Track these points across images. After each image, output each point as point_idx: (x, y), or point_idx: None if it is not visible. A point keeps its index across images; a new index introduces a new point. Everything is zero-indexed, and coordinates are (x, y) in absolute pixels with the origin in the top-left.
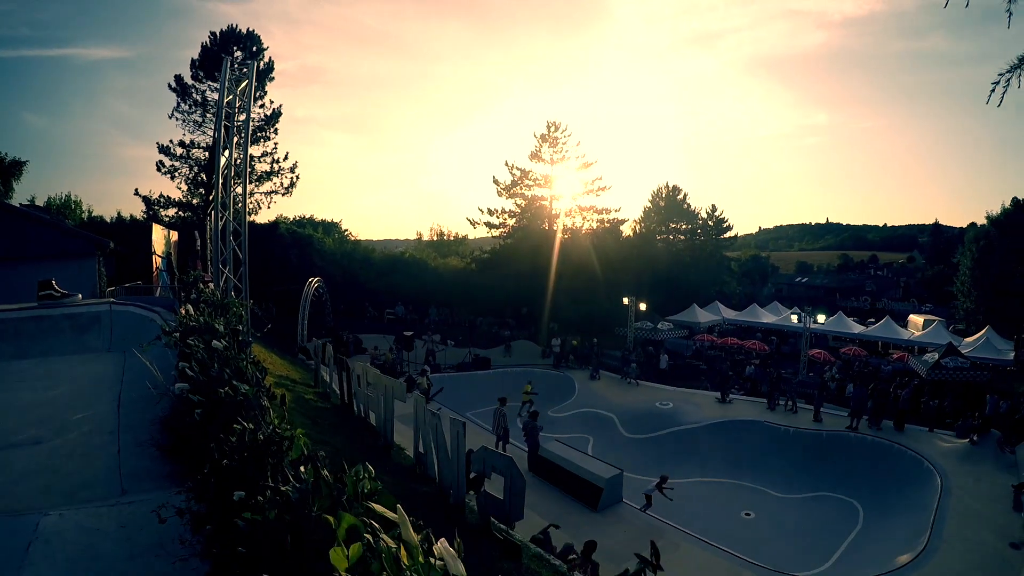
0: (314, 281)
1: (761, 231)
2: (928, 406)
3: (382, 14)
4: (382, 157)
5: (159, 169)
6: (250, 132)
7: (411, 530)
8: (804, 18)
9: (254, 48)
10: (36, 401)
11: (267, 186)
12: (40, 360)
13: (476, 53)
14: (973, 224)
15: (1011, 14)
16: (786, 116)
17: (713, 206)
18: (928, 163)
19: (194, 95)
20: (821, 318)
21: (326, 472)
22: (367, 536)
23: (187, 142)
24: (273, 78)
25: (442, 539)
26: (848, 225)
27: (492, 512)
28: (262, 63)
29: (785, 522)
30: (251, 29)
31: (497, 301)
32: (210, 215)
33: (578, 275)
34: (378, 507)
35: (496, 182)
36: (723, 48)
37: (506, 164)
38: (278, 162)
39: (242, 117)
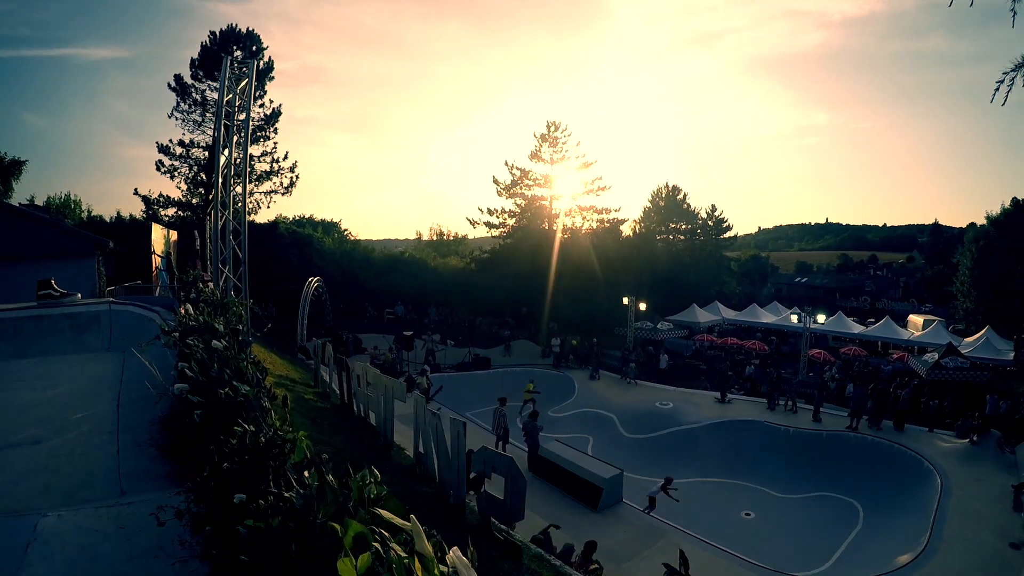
0: (314, 281)
1: (761, 231)
2: (928, 406)
3: (382, 14)
4: (382, 157)
5: (158, 168)
6: (250, 131)
7: (426, 541)
8: (804, 18)
9: (254, 48)
10: (35, 401)
11: (267, 186)
12: (39, 360)
13: (476, 53)
14: (973, 224)
15: (1015, 13)
16: (786, 116)
17: (713, 206)
18: (928, 163)
19: (194, 94)
20: (821, 318)
21: (331, 477)
22: (376, 545)
23: (187, 141)
24: (273, 78)
25: (454, 548)
26: (848, 225)
27: (492, 512)
28: (262, 63)
29: (785, 522)
30: (251, 29)
31: (497, 301)
32: (210, 214)
33: (578, 275)
34: (386, 513)
35: (496, 182)
36: (723, 48)
37: (506, 164)
38: (278, 162)
39: (242, 116)
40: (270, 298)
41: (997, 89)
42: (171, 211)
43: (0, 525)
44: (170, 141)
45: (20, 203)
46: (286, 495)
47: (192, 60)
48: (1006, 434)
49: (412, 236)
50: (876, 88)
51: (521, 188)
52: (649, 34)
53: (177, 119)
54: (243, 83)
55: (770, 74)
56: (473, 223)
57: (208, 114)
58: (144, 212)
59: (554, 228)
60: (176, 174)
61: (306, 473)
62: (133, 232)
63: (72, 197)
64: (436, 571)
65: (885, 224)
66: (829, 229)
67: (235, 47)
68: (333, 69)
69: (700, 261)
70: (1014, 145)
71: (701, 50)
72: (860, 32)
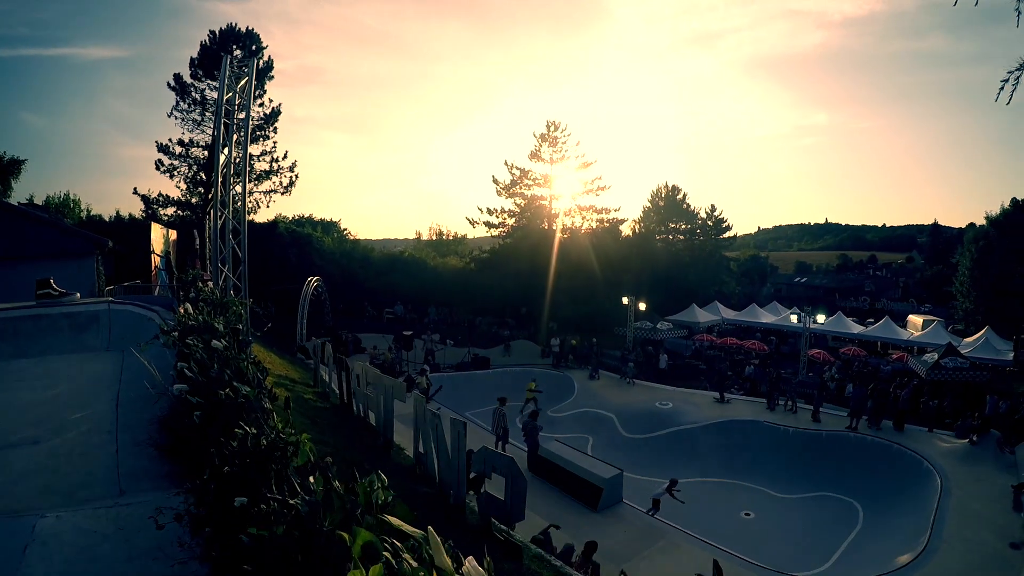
0: (313, 280)
1: (760, 231)
2: (928, 406)
3: (382, 14)
4: (382, 157)
5: (158, 168)
6: (249, 130)
7: (445, 556)
8: (804, 18)
9: (253, 47)
10: (35, 400)
11: (266, 185)
12: (39, 359)
13: (476, 53)
14: (972, 224)
15: (1020, 12)
16: (785, 116)
17: (712, 206)
18: (927, 163)
19: (193, 94)
20: (820, 318)
21: (337, 483)
22: (386, 554)
23: (186, 141)
24: (272, 77)
25: (470, 558)
26: (847, 225)
27: (493, 513)
28: (261, 62)
29: (785, 522)
30: (250, 28)
31: (496, 301)
32: (209, 213)
33: (577, 275)
34: (395, 520)
35: (495, 181)
36: (723, 48)
37: (506, 164)
38: (277, 161)
39: (242, 115)
40: (269, 298)
41: (1002, 88)
42: (170, 210)
43: None
44: (169, 140)
45: (19, 202)
46: (291, 502)
47: (191, 59)
48: (1006, 434)
49: (412, 236)
50: (875, 88)
51: (521, 188)
52: (649, 34)
53: (176, 118)
54: (243, 81)
55: (769, 74)
56: (473, 223)
57: (207, 113)
58: (143, 211)
59: (554, 228)
60: (175, 173)
61: (311, 478)
62: (132, 231)
63: (71, 196)
64: None
65: (884, 224)
66: (828, 229)
67: (235, 46)
68: (333, 69)
69: (699, 261)
70: (1013, 145)
71: (701, 50)
72: (860, 32)
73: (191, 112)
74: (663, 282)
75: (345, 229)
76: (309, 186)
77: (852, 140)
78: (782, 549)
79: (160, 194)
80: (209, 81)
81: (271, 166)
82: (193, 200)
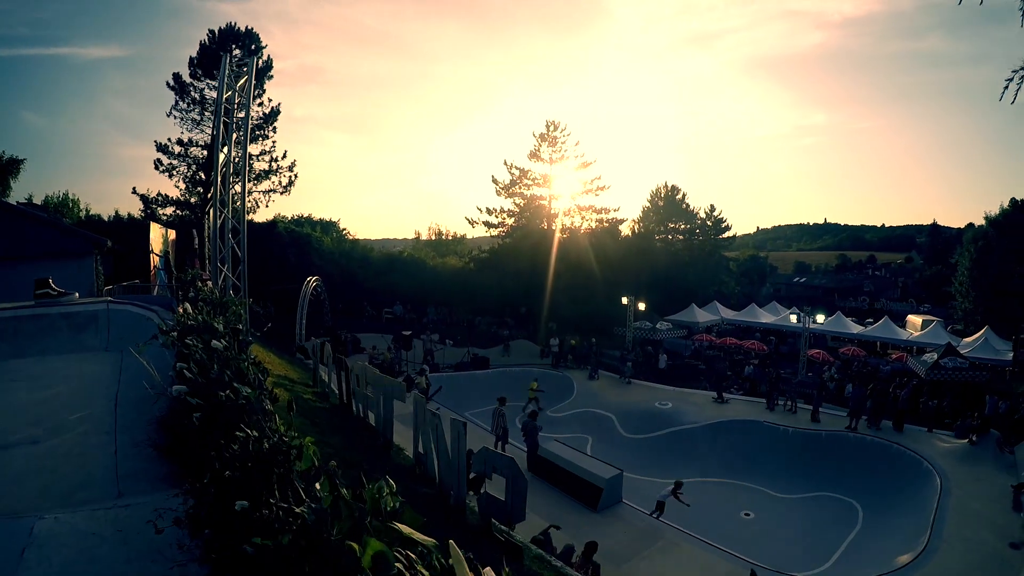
0: (312, 280)
1: (759, 231)
2: (927, 406)
3: (382, 14)
4: (381, 157)
5: (157, 167)
6: (249, 130)
7: (467, 570)
8: (802, 18)
9: (253, 46)
10: (33, 400)
11: (265, 185)
12: (37, 359)
13: (476, 53)
14: (971, 224)
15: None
16: (784, 116)
17: (711, 206)
18: (926, 163)
19: (192, 93)
20: (820, 318)
21: (344, 490)
22: (398, 565)
23: (185, 140)
24: (272, 76)
25: (487, 568)
26: (846, 225)
27: (493, 513)
28: (261, 61)
29: (785, 522)
30: (250, 27)
31: (496, 300)
32: (208, 213)
33: (577, 275)
34: (405, 529)
35: (495, 181)
36: (721, 48)
37: (505, 163)
38: (276, 161)
39: (241, 114)
40: (268, 297)
41: (1006, 87)
42: (169, 210)
43: None
44: (168, 140)
45: (18, 202)
46: (297, 510)
47: (191, 59)
48: (1005, 434)
49: (411, 236)
50: (874, 88)
51: (520, 188)
52: (648, 34)
53: (176, 118)
54: (242, 81)
55: (768, 74)
56: (472, 223)
57: (207, 113)
58: (142, 211)
59: (553, 228)
60: (174, 173)
61: (317, 485)
62: (131, 231)
63: (70, 196)
64: None
65: (884, 224)
66: (827, 229)
67: (234, 46)
68: (332, 69)
69: (699, 261)
70: (1012, 145)
71: (700, 50)
72: (858, 32)
73: (190, 112)
74: (662, 282)
75: (344, 229)
76: (308, 186)
77: (851, 140)
78: (782, 549)
79: (159, 194)
80: (208, 81)
81: (270, 166)
82: (192, 200)
